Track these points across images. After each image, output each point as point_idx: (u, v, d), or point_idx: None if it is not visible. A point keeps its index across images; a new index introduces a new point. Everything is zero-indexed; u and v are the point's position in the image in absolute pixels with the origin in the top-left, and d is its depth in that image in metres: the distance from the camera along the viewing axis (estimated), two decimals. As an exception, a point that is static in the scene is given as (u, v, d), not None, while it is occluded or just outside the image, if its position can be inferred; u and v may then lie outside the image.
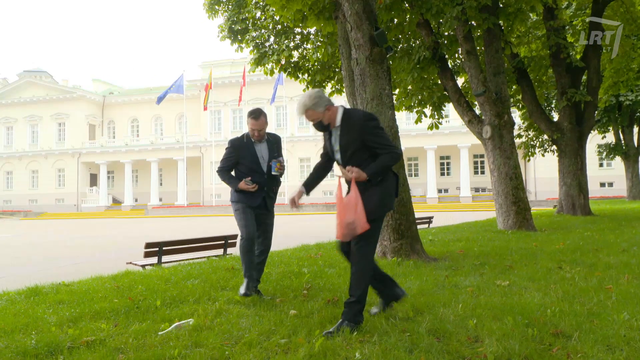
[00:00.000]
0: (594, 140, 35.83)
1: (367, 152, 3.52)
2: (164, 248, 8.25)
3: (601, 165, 42.07)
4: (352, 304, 3.48)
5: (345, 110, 3.60)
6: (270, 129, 49.50)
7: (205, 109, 46.77)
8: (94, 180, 57.68)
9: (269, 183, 4.66)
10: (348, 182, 3.57)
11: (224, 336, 3.40)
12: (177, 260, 8.27)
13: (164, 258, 8.34)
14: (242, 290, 4.45)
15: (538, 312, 3.69)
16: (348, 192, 3.53)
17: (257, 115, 4.59)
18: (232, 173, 4.79)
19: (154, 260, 8.20)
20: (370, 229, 3.45)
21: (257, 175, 4.59)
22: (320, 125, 3.64)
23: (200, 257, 8.57)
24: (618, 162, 36.06)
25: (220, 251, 9.15)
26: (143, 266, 7.94)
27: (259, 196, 4.61)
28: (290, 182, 47.15)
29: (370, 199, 3.47)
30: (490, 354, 2.84)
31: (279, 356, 2.97)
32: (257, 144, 4.66)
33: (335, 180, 3.74)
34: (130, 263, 8.46)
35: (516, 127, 15.84)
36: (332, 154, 3.73)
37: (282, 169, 4.61)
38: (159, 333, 3.53)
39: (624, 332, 3.14)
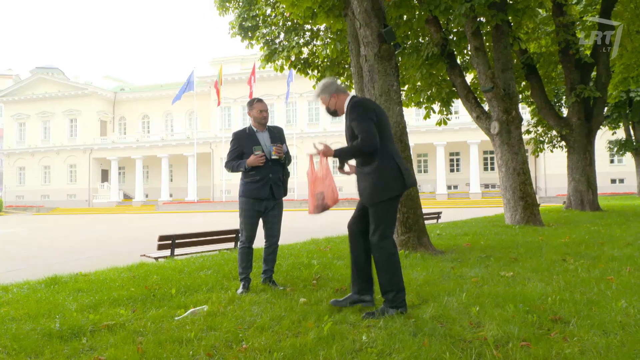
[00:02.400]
0: (605, 137, 35.66)
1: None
2: (176, 241, 8.45)
3: (612, 161, 41.82)
4: (387, 293, 3.64)
5: (351, 98, 3.84)
6: (279, 125, 49.42)
7: (219, 104, 47.09)
8: (105, 176, 58.23)
9: (273, 169, 4.76)
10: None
11: (237, 321, 3.57)
12: (189, 253, 8.46)
13: (177, 251, 8.54)
14: (238, 291, 4.61)
15: (539, 300, 3.82)
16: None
17: (260, 99, 4.90)
18: None
19: (167, 252, 8.39)
20: (376, 213, 3.66)
21: (265, 157, 4.71)
22: (329, 111, 3.94)
23: (212, 250, 8.76)
24: (629, 159, 35.84)
25: (231, 244, 9.33)
26: (156, 258, 8.14)
27: (266, 185, 4.72)
28: (301, 179, 47.36)
29: (364, 185, 3.71)
30: (490, 337, 2.99)
31: (290, 339, 3.13)
32: (259, 134, 4.82)
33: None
34: (144, 255, 8.67)
35: (525, 123, 15.88)
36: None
37: (281, 153, 4.72)
38: (176, 318, 3.71)
39: (620, 319, 3.27)
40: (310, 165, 3.84)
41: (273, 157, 4.71)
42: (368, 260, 3.86)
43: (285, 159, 4.82)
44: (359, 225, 3.85)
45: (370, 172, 3.68)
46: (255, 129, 4.84)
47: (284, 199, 4.95)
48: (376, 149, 3.62)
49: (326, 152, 3.69)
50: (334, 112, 3.93)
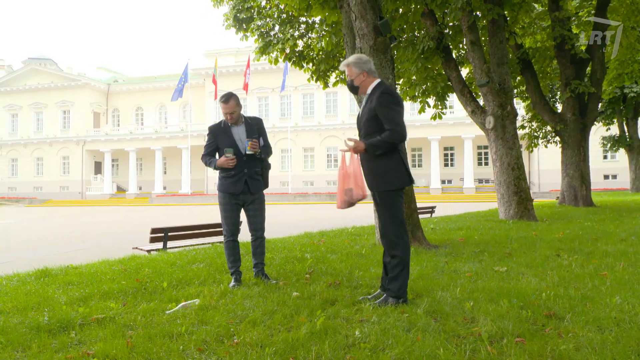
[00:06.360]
0: (599, 132, 35.76)
1: (378, 124, 3.70)
2: (169, 234, 8.39)
3: (605, 157, 41.97)
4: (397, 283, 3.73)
5: (379, 83, 3.83)
6: (274, 118, 49.29)
7: (215, 97, 46.98)
8: (98, 168, 57.95)
9: (249, 164, 4.68)
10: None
11: (229, 315, 3.53)
12: (182, 246, 8.41)
13: (169, 244, 8.48)
14: (230, 284, 4.57)
15: (533, 295, 3.80)
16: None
17: (226, 99, 4.65)
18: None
19: (160, 245, 8.34)
20: (385, 202, 3.72)
21: (236, 157, 4.63)
22: (351, 85, 3.91)
23: (205, 243, 8.70)
24: (622, 155, 35.96)
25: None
26: (149, 251, 8.08)
27: (240, 180, 4.65)
28: (294, 172, 47.28)
29: (372, 172, 3.74)
30: (484, 332, 2.96)
31: (282, 333, 3.09)
32: (234, 127, 4.71)
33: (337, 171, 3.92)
34: (136, 248, 8.61)
35: (520, 118, 15.88)
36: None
37: (256, 148, 4.61)
38: (167, 312, 3.67)
39: (615, 315, 3.25)
40: (342, 162, 3.78)
41: (248, 152, 4.61)
42: None
43: (263, 152, 4.72)
44: None
45: (375, 163, 3.73)
46: (230, 124, 4.74)
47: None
48: (404, 141, 3.70)
49: (357, 148, 3.66)
50: (355, 88, 3.91)
